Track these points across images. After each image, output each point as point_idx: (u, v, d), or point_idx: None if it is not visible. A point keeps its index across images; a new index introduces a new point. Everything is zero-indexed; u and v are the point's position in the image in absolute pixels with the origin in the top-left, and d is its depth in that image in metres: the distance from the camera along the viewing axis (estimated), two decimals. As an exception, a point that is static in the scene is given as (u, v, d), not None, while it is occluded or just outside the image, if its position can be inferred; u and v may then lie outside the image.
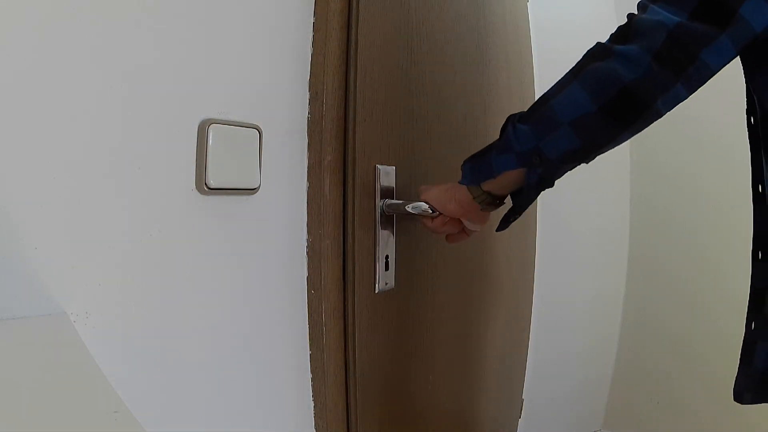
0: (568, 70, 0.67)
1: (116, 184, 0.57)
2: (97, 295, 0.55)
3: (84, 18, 0.53)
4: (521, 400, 1.56)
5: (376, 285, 0.84)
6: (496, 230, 0.83)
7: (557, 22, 1.71)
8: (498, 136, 0.73)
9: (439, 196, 0.78)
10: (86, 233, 0.54)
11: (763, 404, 0.72)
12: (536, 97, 0.71)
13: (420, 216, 0.82)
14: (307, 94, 0.79)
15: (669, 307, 1.92)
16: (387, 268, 0.86)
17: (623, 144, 0.67)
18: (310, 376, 0.80)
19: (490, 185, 0.74)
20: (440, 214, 0.78)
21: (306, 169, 0.79)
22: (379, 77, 0.85)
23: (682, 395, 1.86)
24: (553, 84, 0.68)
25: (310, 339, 0.80)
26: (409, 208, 0.82)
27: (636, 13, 0.64)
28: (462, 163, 0.77)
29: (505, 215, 0.80)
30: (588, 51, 0.65)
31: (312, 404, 0.81)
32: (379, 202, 0.84)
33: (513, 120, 0.70)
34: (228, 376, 0.69)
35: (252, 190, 0.71)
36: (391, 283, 0.88)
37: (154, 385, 0.61)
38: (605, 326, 2.03)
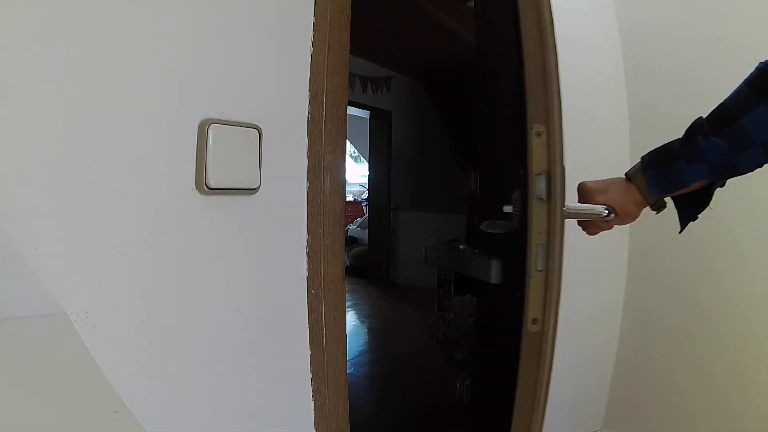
0: (745, 82, 0.70)
1: (116, 184, 0.57)
2: (97, 295, 0.55)
3: (84, 18, 0.53)
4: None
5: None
6: (680, 232, 0.83)
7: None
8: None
9: (620, 199, 0.78)
10: (86, 233, 0.54)
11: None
12: None
13: (588, 217, 0.78)
14: (307, 94, 0.79)
15: (669, 307, 1.92)
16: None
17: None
18: (310, 376, 0.80)
19: (672, 192, 0.76)
20: (613, 215, 0.77)
21: (306, 169, 0.79)
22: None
23: (682, 395, 1.86)
24: (730, 94, 0.71)
25: (310, 339, 0.80)
26: (585, 209, 0.76)
27: None
28: (639, 169, 0.76)
29: (685, 220, 0.81)
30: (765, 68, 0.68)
31: (312, 404, 0.81)
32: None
33: (702, 131, 0.71)
34: (228, 375, 0.69)
35: (252, 190, 0.71)
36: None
37: (154, 385, 0.61)
38: (605, 326, 2.03)
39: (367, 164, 6.66)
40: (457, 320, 2.44)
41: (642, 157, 0.78)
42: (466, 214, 5.11)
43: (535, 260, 0.74)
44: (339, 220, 0.81)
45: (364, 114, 5.58)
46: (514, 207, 0.80)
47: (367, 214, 6.97)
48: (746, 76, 0.73)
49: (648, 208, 0.80)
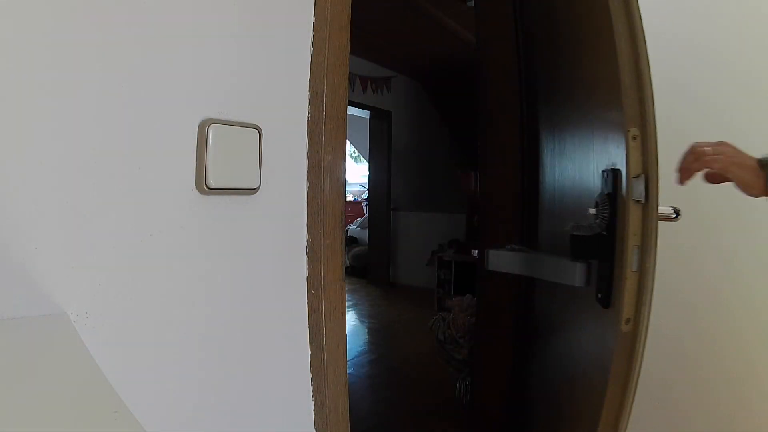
0: None
1: (116, 184, 0.57)
2: (97, 295, 0.55)
3: (84, 17, 0.53)
4: (521, 400, 1.56)
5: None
6: None
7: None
8: None
9: (749, 182, 0.80)
10: (86, 233, 0.54)
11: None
12: None
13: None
14: (307, 94, 0.79)
15: (669, 307, 1.92)
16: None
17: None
18: (310, 376, 0.80)
19: None
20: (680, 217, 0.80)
21: (306, 169, 0.79)
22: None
23: (682, 396, 1.86)
24: None
25: (310, 339, 0.80)
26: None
27: None
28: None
29: None
30: None
31: (312, 404, 0.81)
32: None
33: None
34: (228, 375, 0.69)
35: (252, 190, 0.71)
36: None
37: (154, 385, 0.61)
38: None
39: (367, 164, 6.66)
40: (456, 320, 2.44)
41: None
42: (466, 214, 5.11)
43: (630, 261, 0.74)
44: (339, 220, 0.81)
45: (364, 114, 5.59)
46: (598, 209, 0.80)
47: (367, 214, 6.97)
48: None
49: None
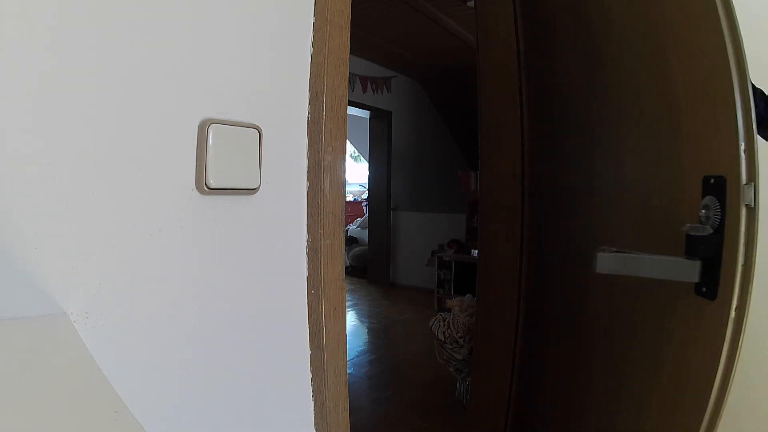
0: None
1: (116, 184, 0.57)
2: (97, 295, 0.55)
3: (84, 18, 0.53)
4: (521, 400, 1.56)
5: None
6: None
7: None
8: None
9: None
10: (86, 233, 0.54)
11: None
12: None
13: None
14: (307, 94, 0.79)
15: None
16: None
17: None
18: (310, 376, 0.80)
19: None
20: None
21: (306, 169, 0.79)
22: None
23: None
24: None
25: (310, 339, 0.80)
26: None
27: None
28: None
29: None
30: None
31: (312, 404, 0.81)
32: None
33: None
34: (228, 376, 0.69)
35: (252, 190, 0.71)
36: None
37: (154, 385, 0.61)
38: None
39: (367, 164, 6.66)
40: (456, 320, 2.44)
41: None
42: (466, 214, 5.11)
43: (740, 257, 0.86)
44: (339, 220, 0.81)
45: (364, 114, 5.59)
46: (708, 212, 0.91)
47: (367, 214, 6.97)
48: None
49: None
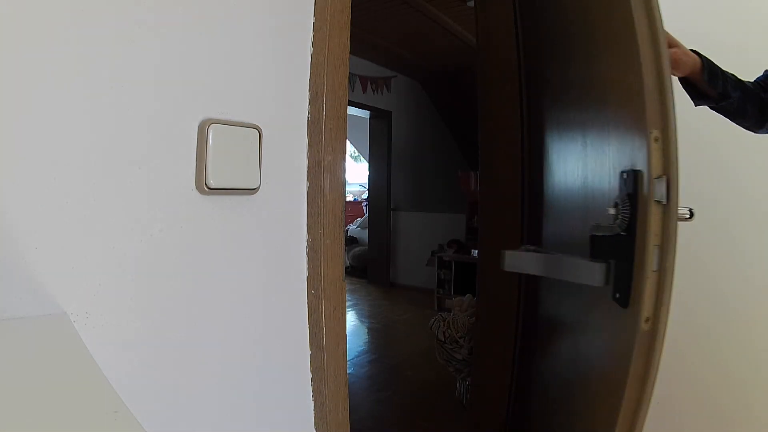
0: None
1: (116, 184, 0.57)
2: (97, 295, 0.55)
3: (85, 18, 0.53)
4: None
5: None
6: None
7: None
8: None
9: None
10: (86, 233, 0.54)
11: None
12: None
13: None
14: (307, 94, 0.79)
15: (671, 306, 1.92)
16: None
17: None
18: (310, 376, 0.80)
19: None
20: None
21: (306, 169, 0.79)
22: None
23: (682, 396, 1.86)
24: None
25: (310, 339, 0.80)
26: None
27: None
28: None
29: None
30: None
31: (312, 404, 0.81)
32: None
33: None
34: (228, 375, 0.69)
35: (252, 190, 0.71)
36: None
37: (154, 384, 0.61)
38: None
39: (367, 164, 6.66)
40: (456, 320, 2.44)
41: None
42: (466, 214, 5.11)
43: (651, 261, 0.76)
44: (339, 220, 0.81)
45: (364, 114, 5.58)
46: (617, 210, 0.82)
47: (367, 214, 6.97)
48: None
49: None
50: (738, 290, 1.63)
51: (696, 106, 1.10)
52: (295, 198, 0.78)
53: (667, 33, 0.92)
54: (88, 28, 0.54)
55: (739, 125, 1.11)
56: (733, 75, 1.07)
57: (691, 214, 0.81)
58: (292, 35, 0.77)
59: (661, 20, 0.82)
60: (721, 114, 1.09)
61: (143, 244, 0.59)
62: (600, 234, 0.84)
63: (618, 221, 0.82)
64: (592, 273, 0.85)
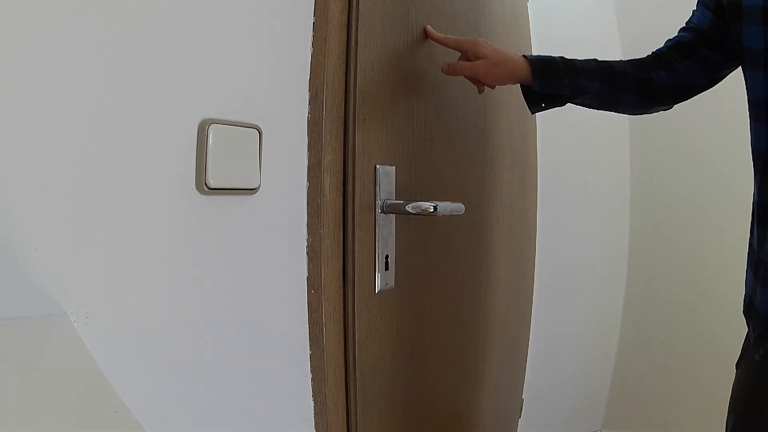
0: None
1: (116, 184, 0.57)
2: (97, 295, 0.55)
3: (84, 18, 0.53)
4: (521, 399, 1.56)
5: (376, 285, 0.84)
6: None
7: (557, 21, 1.71)
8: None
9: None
10: (86, 233, 0.54)
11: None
12: None
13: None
14: (307, 94, 0.79)
15: (668, 307, 1.92)
16: (387, 268, 0.86)
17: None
18: (310, 376, 0.80)
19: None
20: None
21: (306, 169, 0.79)
22: (378, 77, 0.85)
23: (682, 395, 1.86)
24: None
25: (310, 339, 0.80)
26: (409, 207, 0.82)
27: None
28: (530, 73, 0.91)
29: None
30: None
31: (312, 404, 0.81)
32: (378, 202, 0.85)
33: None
34: (228, 376, 0.69)
35: (252, 190, 0.71)
36: (391, 283, 0.88)
37: (154, 385, 0.61)
38: (605, 326, 2.03)
39: (367, 164, 6.64)
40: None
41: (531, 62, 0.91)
42: (466, 214, 5.11)
43: None
44: (339, 220, 0.81)
45: (364, 114, 5.57)
46: None
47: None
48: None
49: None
50: (738, 290, 1.63)
51: (533, 113, 1.00)
52: (295, 198, 0.78)
53: (477, 43, 0.90)
54: (87, 28, 0.54)
55: (616, 112, 1.02)
56: (596, 62, 0.93)
57: (434, 210, 0.81)
58: (292, 35, 0.77)
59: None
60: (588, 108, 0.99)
61: (143, 244, 0.59)
62: None
63: None
64: None
